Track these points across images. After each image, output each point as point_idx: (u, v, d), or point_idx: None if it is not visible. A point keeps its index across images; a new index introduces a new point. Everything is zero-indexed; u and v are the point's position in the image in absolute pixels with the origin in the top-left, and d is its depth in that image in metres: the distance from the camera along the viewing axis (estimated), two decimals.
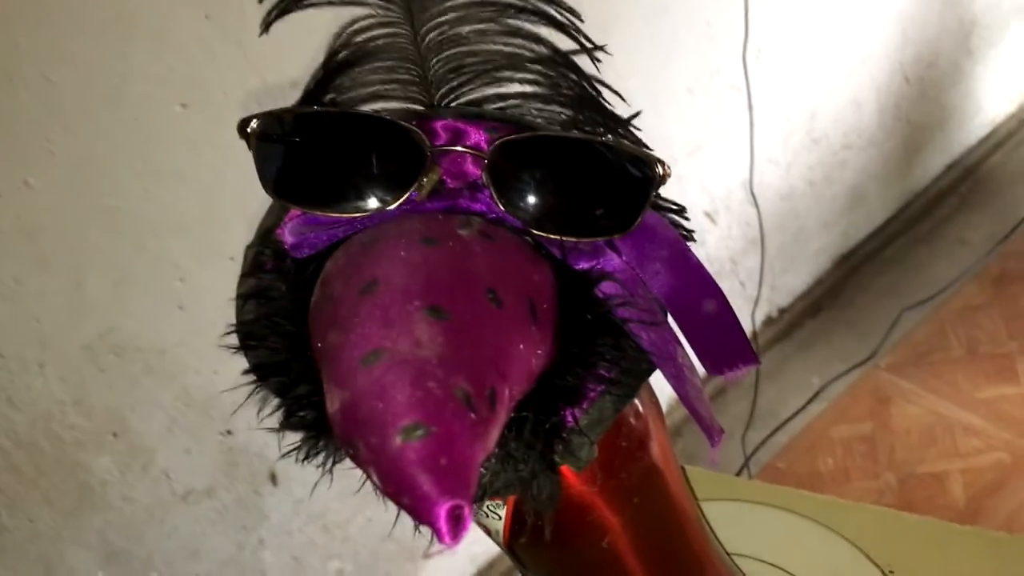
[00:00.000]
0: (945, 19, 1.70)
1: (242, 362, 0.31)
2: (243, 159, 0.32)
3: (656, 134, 0.36)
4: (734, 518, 0.53)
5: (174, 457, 0.98)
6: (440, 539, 0.21)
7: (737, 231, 1.53)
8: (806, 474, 1.48)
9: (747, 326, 1.62)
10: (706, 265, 0.33)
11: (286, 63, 0.62)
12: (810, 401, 1.57)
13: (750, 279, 1.59)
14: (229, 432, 1.00)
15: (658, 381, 0.33)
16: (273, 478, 1.07)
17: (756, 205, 1.51)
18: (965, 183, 1.94)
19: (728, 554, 0.47)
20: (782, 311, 1.71)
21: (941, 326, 1.65)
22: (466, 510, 0.22)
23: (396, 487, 0.22)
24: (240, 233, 0.36)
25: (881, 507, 0.54)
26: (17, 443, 0.86)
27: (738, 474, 1.48)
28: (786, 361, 1.66)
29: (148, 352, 0.91)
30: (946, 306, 1.68)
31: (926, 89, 1.75)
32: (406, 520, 0.24)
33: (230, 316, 0.33)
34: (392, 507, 0.24)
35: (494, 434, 0.24)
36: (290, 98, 0.36)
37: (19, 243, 0.79)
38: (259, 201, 0.33)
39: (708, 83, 1.35)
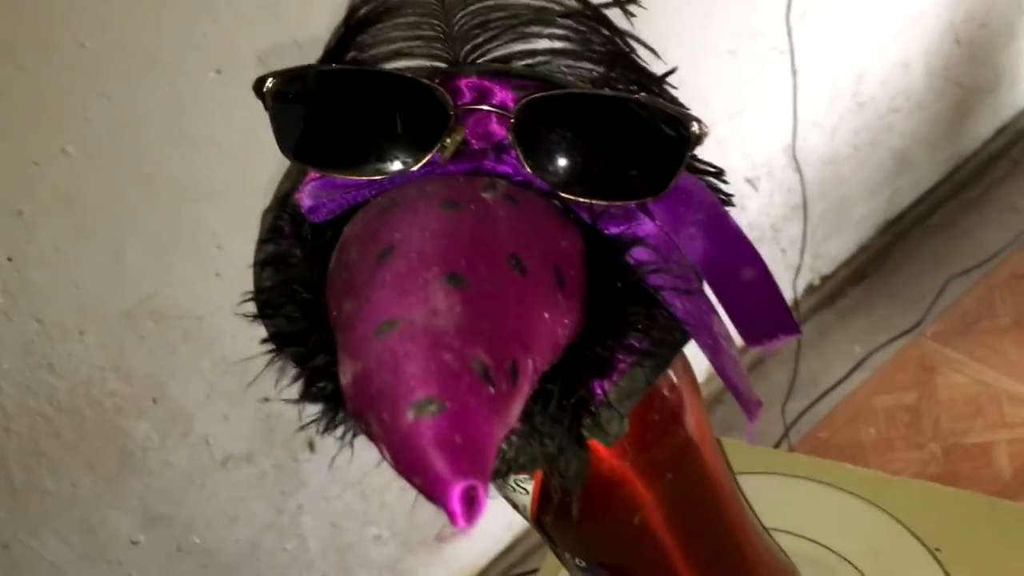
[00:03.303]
0: None
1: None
2: None
3: (695, 97, 0.34)
4: (773, 492, 0.52)
5: (213, 423, 0.98)
6: (453, 522, 0.20)
7: (779, 197, 1.50)
8: (848, 444, 1.45)
9: (788, 294, 1.59)
10: (746, 233, 0.31)
11: (318, 24, 0.61)
12: (853, 370, 1.54)
13: (792, 246, 1.56)
14: (267, 399, 1.00)
15: (696, 352, 0.31)
16: (311, 444, 1.08)
17: (799, 171, 1.48)
18: (1016, 147, 1.88)
19: (766, 529, 0.46)
20: (825, 279, 1.68)
21: (989, 294, 1.61)
22: (481, 491, 0.21)
23: (408, 466, 0.21)
24: None
25: (927, 482, 0.52)
26: (59, 409, 0.87)
27: (778, 444, 1.46)
28: (828, 329, 1.63)
29: (186, 319, 0.92)
30: (994, 274, 1.64)
31: (977, 50, 1.70)
32: None
33: None
34: None
35: (515, 409, 0.23)
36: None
37: (58, 210, 0.80)
38: None
39: (750, 45, 1.32)
